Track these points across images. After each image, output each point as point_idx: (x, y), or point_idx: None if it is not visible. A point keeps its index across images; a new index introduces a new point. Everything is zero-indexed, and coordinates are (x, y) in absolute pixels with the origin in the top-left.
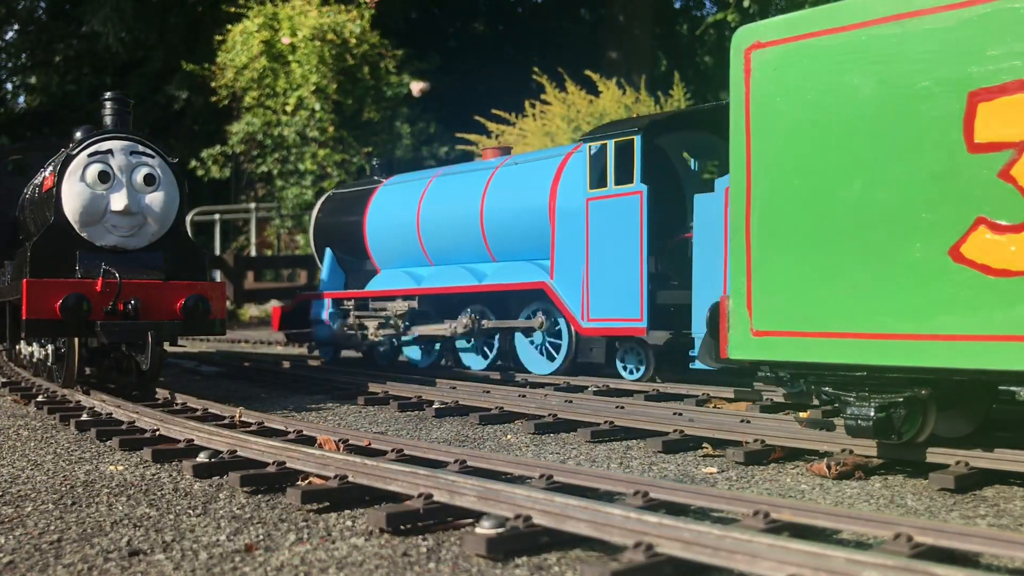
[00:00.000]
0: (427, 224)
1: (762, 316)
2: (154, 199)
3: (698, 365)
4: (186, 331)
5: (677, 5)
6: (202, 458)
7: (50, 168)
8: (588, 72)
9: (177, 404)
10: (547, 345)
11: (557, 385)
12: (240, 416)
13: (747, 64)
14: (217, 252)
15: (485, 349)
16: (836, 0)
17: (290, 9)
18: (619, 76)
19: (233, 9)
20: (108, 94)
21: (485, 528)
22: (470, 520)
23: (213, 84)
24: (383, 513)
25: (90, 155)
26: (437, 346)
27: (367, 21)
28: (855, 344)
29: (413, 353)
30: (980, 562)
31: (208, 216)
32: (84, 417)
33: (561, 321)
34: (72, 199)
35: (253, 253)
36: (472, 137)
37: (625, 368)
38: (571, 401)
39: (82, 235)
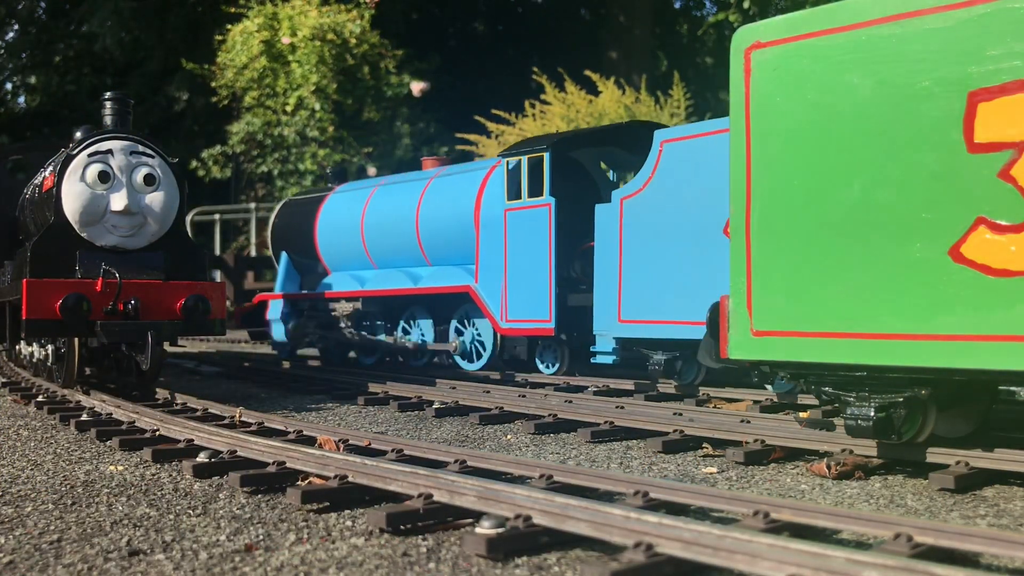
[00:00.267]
0: (370, 230)
1: (762, 316)
2: (154, 199)
3: (600, 360)
4: (186, 331)
5: (677, 5)
6: (202, 458)
7: (50, 168)
8: (588, 72)
9: (177, 404)
10: (475, 344)
11: (557, 385)
12: (240, 416)
13: (747, 64)
14: (217, 252)
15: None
16: (836, 0)
17: (290, 9)
18: (619, 76)
19: (233, 9)
20: (108, 94)
21: (485, 528)
22: (470, 520)
23: (213, 84)
24: (383, 513)
25: (90, 155)
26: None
27: (367, 21)
28: (855, 344)
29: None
30: (980, 562)
31: (208, 216)
32: (84, 417)
33: (486, 322)
34: (72, 199)
35: (253, 253)
36: (472, 137)
37: (543, 364)
38: (571, 401)
39: (82, 235)
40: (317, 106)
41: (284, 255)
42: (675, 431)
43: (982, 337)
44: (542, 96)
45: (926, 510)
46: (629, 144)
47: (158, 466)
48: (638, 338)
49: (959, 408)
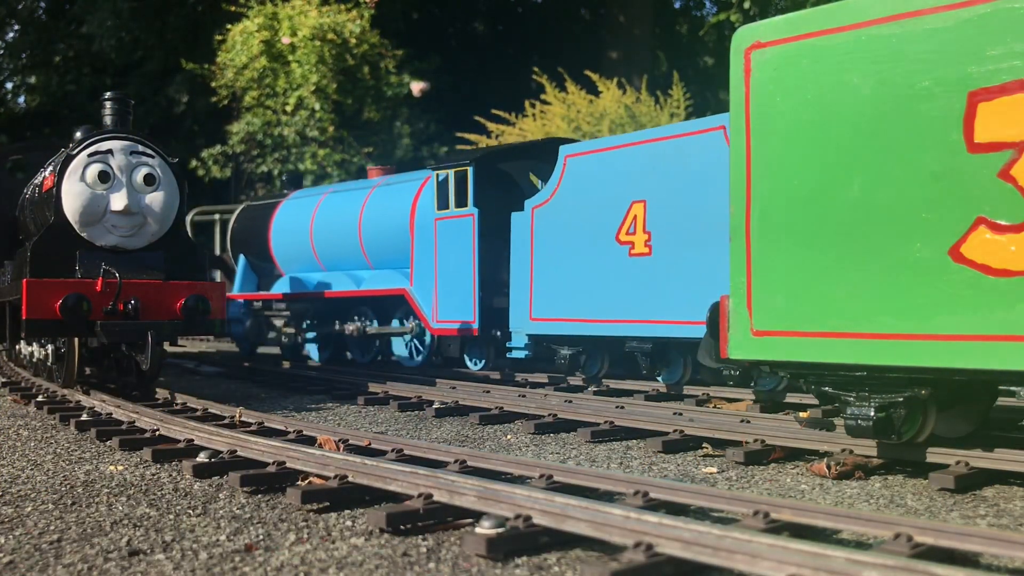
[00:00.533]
0: (319, 235)
1: (762, 316)
2: (154, 199)
3: (515, 355)
4: (186, 331)
5: (677, 5)
6: (202, 458)
7: (50, 168)
8: (588, 72)
9: (177, 404)
10: (415, 343)
11: (557, 385)
12: (240, 416)
13: (747, 64)
14: (217, 252)
15: (366, 345)
16: (836, 0)
17: (290, 9)
18: (619, 76)
19: (233, 8)
20: (108, 94)
21: (485, 528)
22: (470, 520)
23: (213, 84)
24: (383, 513)
25: (90, 155)
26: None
27: (367, 21)
28: (855, 344)
29: (312, 350)
30: (980, 562)
31: (208, 216)
32: (84, 417)
33: (420, 322)
34: (72, 199)
35: None
36: (472, 137)
37: (471, 360)
38: (571, 401)
39: (82, 235)
40: (317, 106)
41: (242, 257)
42: (675, 431)
43: (982, 337)
44: (542, 96)
45: (926, 510)
46: (551, 158)
47: (158, 466)
48: (547, 335)
49: (959, 408)
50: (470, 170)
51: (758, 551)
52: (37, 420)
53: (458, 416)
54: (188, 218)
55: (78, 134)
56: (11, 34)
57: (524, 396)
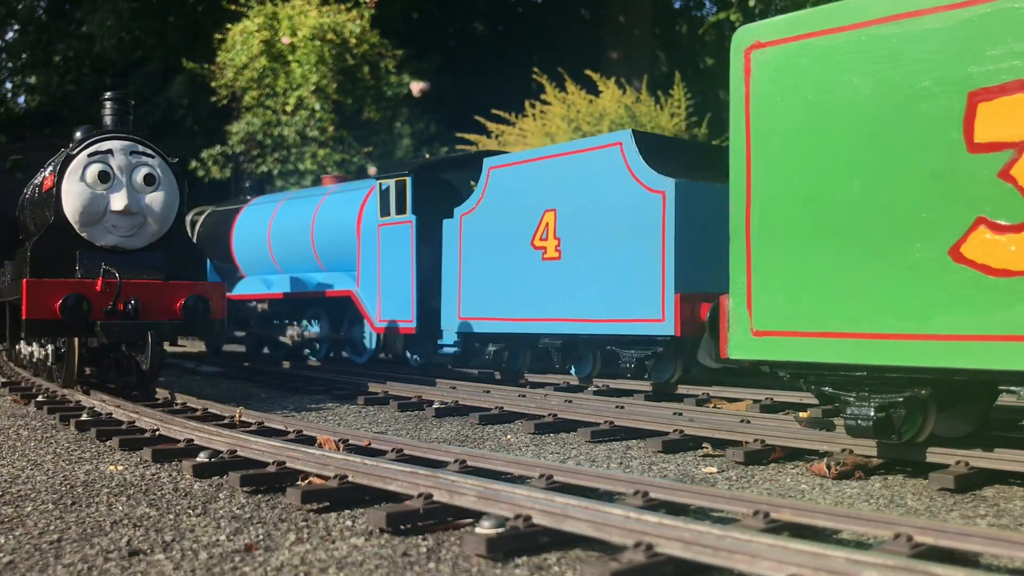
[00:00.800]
0: (276, 239)
1: (762, 316)
2: (154, 199)
3: (445, 351)
4: (186, 331)
5: (677, 5)
6: (202, 458)
7: (50, 168)
8: (588, 72)
9: (177, 404)
10: (363, 341)
11: (557, 385)
12: (240, 416)
13: (747, 64)
14: None
15: (319, 344)
16: (836, 0)
17: (290, 9)
18: (619, 76)
19: (233, 7)
20: (108, 94)
21: (485, 528)
22: (470, 520)
23: (213, 84)
24: (383, 513)
25: (90, 155)
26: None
27: (367, 21)
28: (855, 344)
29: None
30: (980, 562)
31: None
32: (84, 417)
33: (366, 321)
34: (72, 199)
35: None
36: (472, 137)
37: (411, 357)
38: (571, 401)
39: (82, 235)
40: (317, 106)
41: (207, 260)
42: (675, 431)
43: (982, 337)
44: (542, 96)
45: (926, 510)
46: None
47: (158, 466)
48: (474, 332)
49: (959, 408)
50: (408, 180)
51: (758, 551)
52: (37, 420)
53: (458, 416)
54: (188, 218)
55: (78, 134)
56: (11, 34)
57: (524, 396)
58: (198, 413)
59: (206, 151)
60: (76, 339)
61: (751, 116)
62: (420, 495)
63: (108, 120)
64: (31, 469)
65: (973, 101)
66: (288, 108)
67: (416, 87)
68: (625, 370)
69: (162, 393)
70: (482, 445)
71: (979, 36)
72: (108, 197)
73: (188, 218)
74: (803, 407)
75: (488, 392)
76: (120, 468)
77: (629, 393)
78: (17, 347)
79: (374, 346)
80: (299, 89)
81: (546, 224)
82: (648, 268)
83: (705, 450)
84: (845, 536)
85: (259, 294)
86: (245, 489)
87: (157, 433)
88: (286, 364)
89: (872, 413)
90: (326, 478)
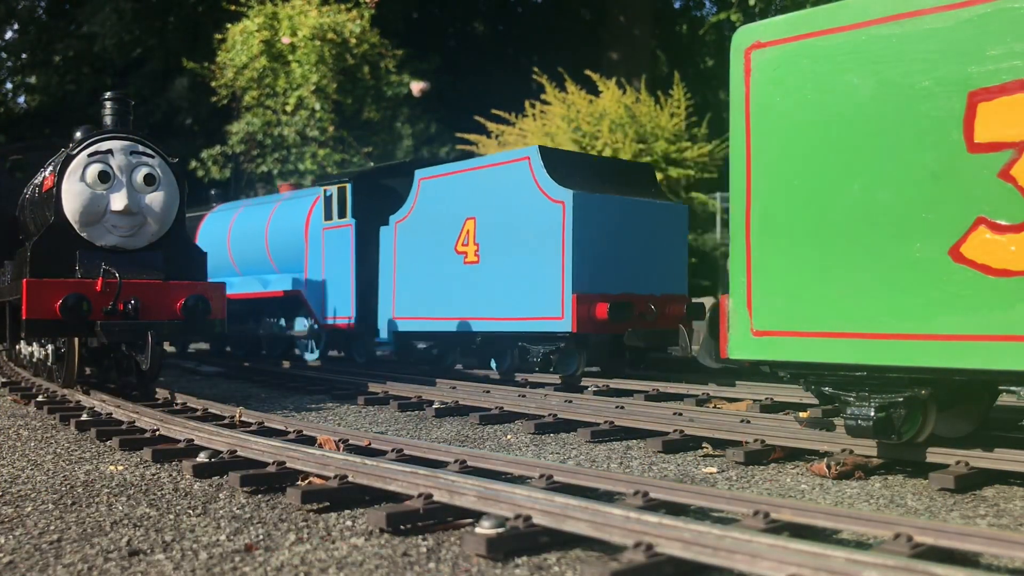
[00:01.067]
0: (235, 243)
1: (762, 316)
2: (154, 199)
3: (383, 349)
4: (186, 331)
5: (677, 5)
6: (202, 458)
7: (50, 168)
8: (588, 72)
9: (177, 404)
10: (311, 340)
11: (557, 385)
12: (240, 416)
13: (747, 64)
14: None
15: (274, 342)
16: (836, 0)
17: (290, 9)
18: (619, 76)
19: (233, 7)
20: (108, 94)
21: (485, 528)
22: (470, 520)
23: (213, 84)
24: (383, 513)
25: (90, 155)
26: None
27: (367, 21)
28: (855, 344)
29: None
30: (980, 562)
31: None
32: (84, 417)
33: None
34: (72, 199)
35: None
36: (472, 137)
37: (356, 354)
38: (571, 401)
39: (82, 235)
40: (317, 106)
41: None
42: (675, 431)
43: (982, 337)
44: (542, 96)
45: (926, 510)
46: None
47: (158, 466)
48: (407, 331)
49: (959, 408)
50: (348, 187)
51: (758, 551)
52: (37, 420)
53: (458, 416)
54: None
55: (78, 134)
56: (11, 34)
57: (524, 396)
58: (198, 413)
59: (206, 151)
60: (76, 339)
61: (751, 116)
62: (420, 495)
63: (108, 120)
64: (31, 469)
65: (973, 101)
66: (288, 108)
67: (416, 87)
68: (533, 364)
69: (162, 393)
70: (482, 445)
71: (979, 36)
72: (108, 197)
73: None
74: (803, 407)
75: (488, 392)
76: (120, 468)
77: (629, 393)
78: (17, 347)
79: (323, 343)
80: (299, 89)
81: (467, 231)
82: (550, 271)
83: (705, 450)
84: (845, 536)
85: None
86: (245, 489)
87: (157, 433)
88: (286, 364)
89: (872, 413)
90: (326, 478)
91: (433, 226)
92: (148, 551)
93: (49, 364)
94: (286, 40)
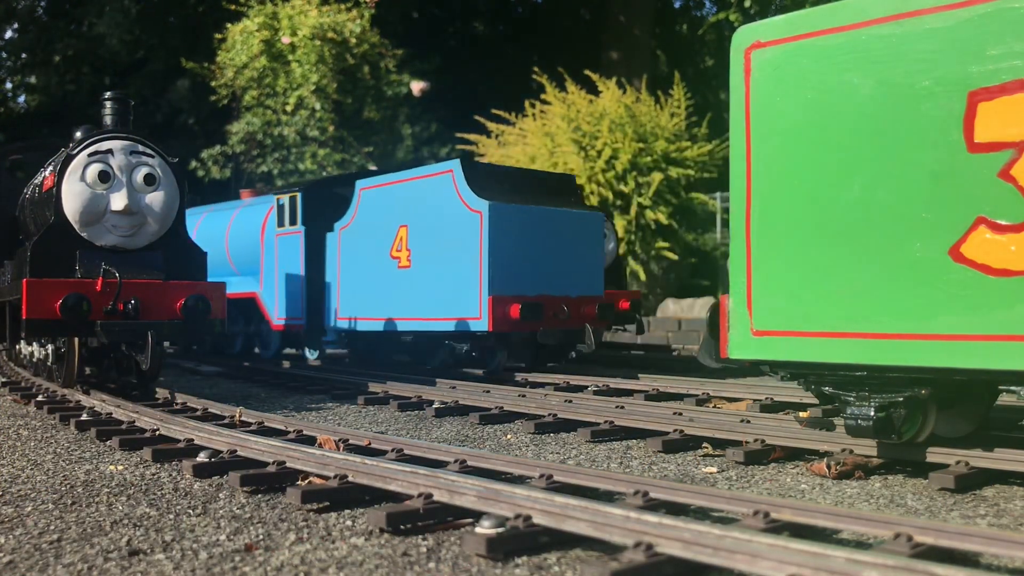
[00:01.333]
0: (200, 246)
1: (762, 316)
2: (154, 199)
3: (332, 349)
4: (186, 331)
5: (677, 5)
6: (202, 458)
7: (50, 168)
8: (588, 72)
9: (177, 404)
10: (268, 337)
11: (557, 385)
12: (240, 416)
13: (747, 64)
14: None
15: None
16: (836, 0)
17: (290, 8)
18: (619, 76)
19: (233, 7)
20: (108, 94)
21: (485, 528)
22: (470, 520)
23: (213, 83)
24: (383, 513)
25: (90, 155)
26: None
27: (367, 21)
28: (855, 344)
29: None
30: (980, 562)
31: None
32: (84, 417)
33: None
34: (72, 199)
35: None
36: (472, 137)
37: (309, 351)
38: (571, 401)
39: (82, 235)
40: (317, 106)
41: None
42: (675, 431)
43: (982, 337)
44: (542, 96)
45: (926, 510)
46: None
47: (158, 466)
48: (348, 330)
49: (959, 408)
50: (299, 196)
51: (758, 551)
52: (37, 420)
53: (458, 416)
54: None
55: (78, 134)
56: (11, 33)
57: (524, 396)
58: (198, 413)
59: (206, 151)
60: (76, 339)
61: (751, 116)
62: (420, 495)
63: (108, 120)
64: (31, 469)
65: (973, 101)
66: (288, 108)
67: (416, 87)
68: (459, 360)
69: (162, 393)
70: (482, 445)
71: (979, 36)
72: (108, 197)
73: None
74: (803, 407)
75: (488, 392)
76: (120, 468)
77: (629, 393)
78: (17, 347)
79: (277, 342)
80: (299, 89)
81: (400, 238)
82: (470, 274)
83: (705, 450)
84: (845, 536)
85: None
86: (245, 489)
87: (157, 433)
88: (286, 364)
89: (872, 413)
90: (326, 478)
91: (372, 233)
92: (148, 551)
93: (49, 364)
94: (286, 40)
